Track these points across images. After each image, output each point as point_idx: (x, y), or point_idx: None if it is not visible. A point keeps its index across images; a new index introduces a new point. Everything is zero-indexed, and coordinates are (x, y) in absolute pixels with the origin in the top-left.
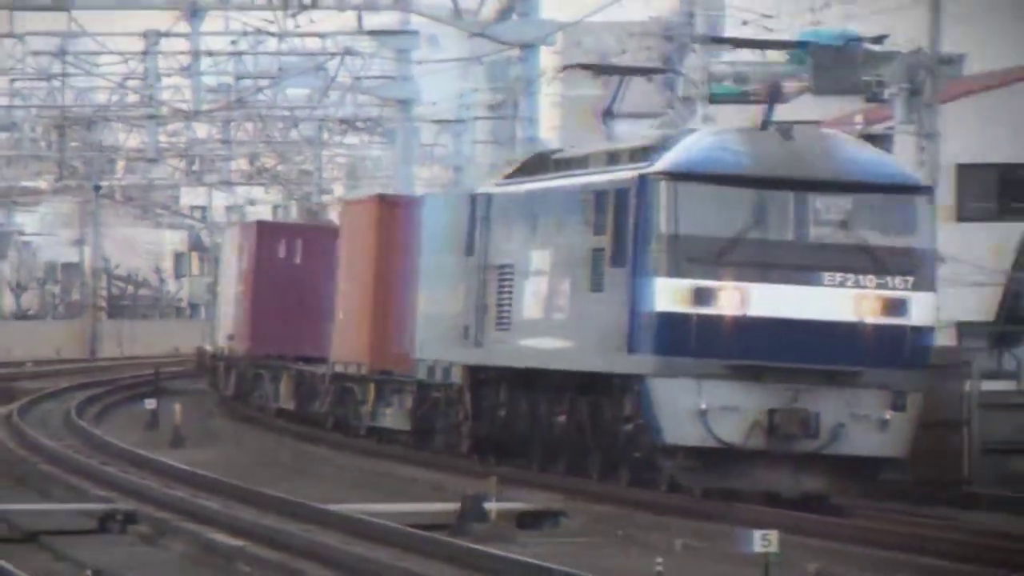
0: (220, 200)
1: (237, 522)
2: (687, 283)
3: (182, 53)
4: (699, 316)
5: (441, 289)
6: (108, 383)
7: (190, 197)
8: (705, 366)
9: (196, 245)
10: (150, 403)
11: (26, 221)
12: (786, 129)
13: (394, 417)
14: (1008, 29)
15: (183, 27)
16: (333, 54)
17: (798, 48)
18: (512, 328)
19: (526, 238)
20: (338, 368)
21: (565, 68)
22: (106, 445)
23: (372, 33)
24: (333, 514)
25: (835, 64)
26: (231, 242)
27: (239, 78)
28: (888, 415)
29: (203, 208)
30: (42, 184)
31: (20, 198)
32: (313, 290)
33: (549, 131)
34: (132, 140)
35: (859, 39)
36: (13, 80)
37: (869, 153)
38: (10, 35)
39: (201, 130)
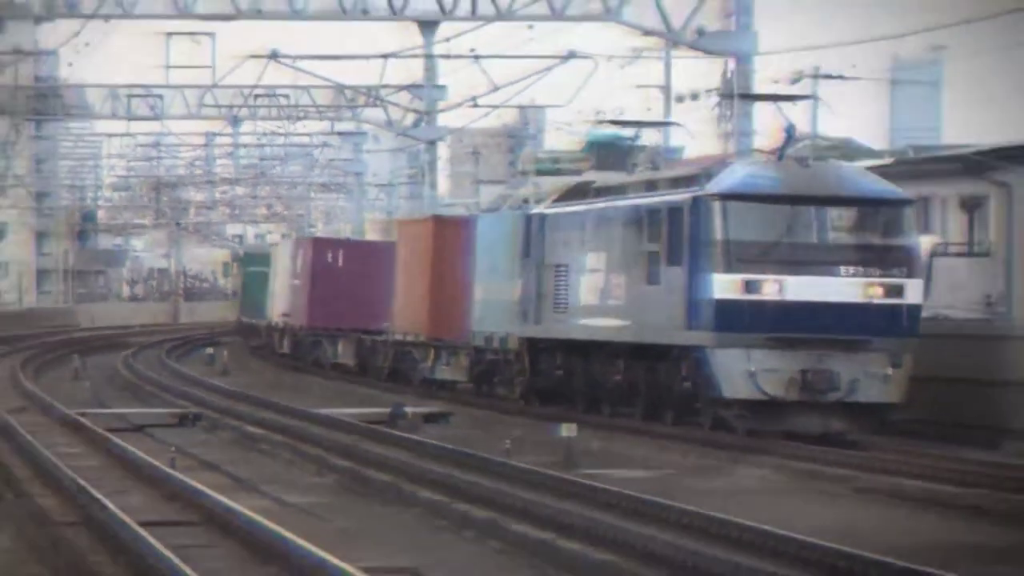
0: (250, 231)
1: (260, 420)
2: (738, 277)
3: (228, 144)
4: (748, 301)
5: (497, 282)
6: (184, 338)
7: (232, 230)
8: (753, 339)
9: (235, 257)
10: (209, 350)
11: (136, 243)
12: (803, 159)
13: (452, 371)
14: (711, 130)
15: (228, 130)
16: (316, 145)
17: (589, 143)
18: (568, 311)
19: (580, 245)
20: (397, 336)
21: (597, 123)
22: (183, 374)
23: (339, 133)
24: (316, 414)
25: (609, 153)
26: (284, 252)
27: (261, 159)
28: (889, 371)
29: (240, 236)
30: (146, 221)
31: (132, 230)
32: (351, 283)
33: (444, 192)
34: (198, 196)
35: (623, 138)
36: (128, 160)
37: (865, 176)
38: (126, 134)
39: (239, 190)
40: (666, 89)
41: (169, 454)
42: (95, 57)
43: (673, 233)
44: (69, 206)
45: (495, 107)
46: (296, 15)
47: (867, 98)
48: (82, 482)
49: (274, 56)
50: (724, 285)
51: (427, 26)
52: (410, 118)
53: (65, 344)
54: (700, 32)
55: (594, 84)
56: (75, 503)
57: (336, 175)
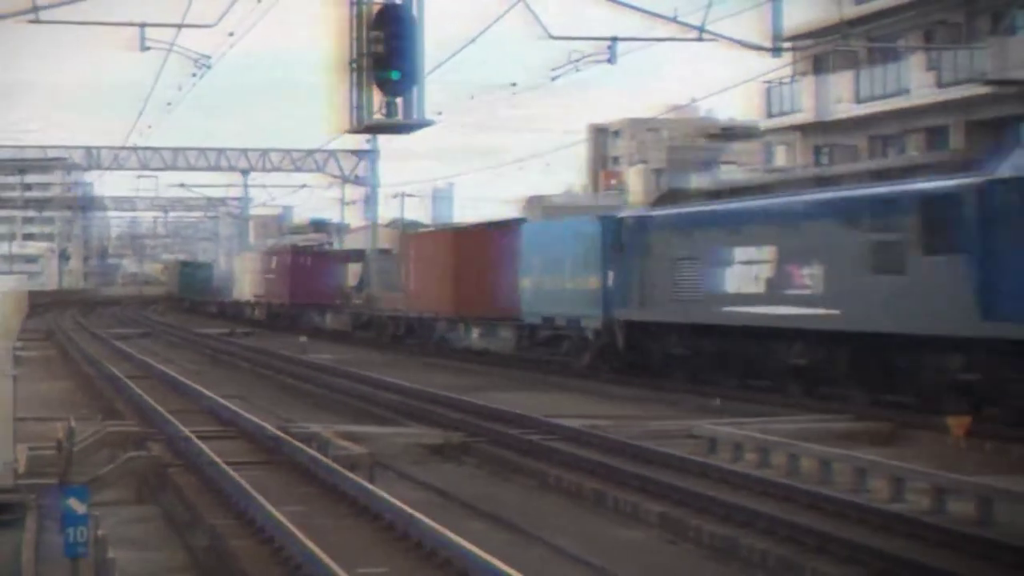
0: (171, 257)
1: (177, 333)
2: None
3: (163, 221)
4: None
5: (556, 275)
6: (145, 302)
7: (165, 256)
8: None
9: (166, 266)
10: (154, 305)
11: (124, 262)
12: None
13: (489, 342)
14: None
15: (162, 216)
16: (199, 222)
17: (311, 222)
18: (696, 298)
19: (717, 239)
20: (412, 314)
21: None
22: (143, 315)
23: (208, 217)
24: (199, 331)
25: (320, 226)
26: (254, 257)
27: (176, 228)
28: None
29: (166, 258)
30: (128, 252)
31: (122, 256)
32: (316, 276)
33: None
34: (151, 243)
35: (325, 219)
36: (120, 228)
37: None
38: (120, 217)
39: (167, 241)
40: (342, 200)
41: (138, 348)
42: (109, 184)
43: (938, 221)
44: (97, 245)
45: (275, 206)
46: (190, 168)
47: (426, 203)
48: (100, 359)
49: (182, 185)
50: None
51: (245, 172)
52: (236, 212)
53: (94, 302)
54: (356, 176)
55: (317, 198)
56: (98, 368)
57: (206, 235)
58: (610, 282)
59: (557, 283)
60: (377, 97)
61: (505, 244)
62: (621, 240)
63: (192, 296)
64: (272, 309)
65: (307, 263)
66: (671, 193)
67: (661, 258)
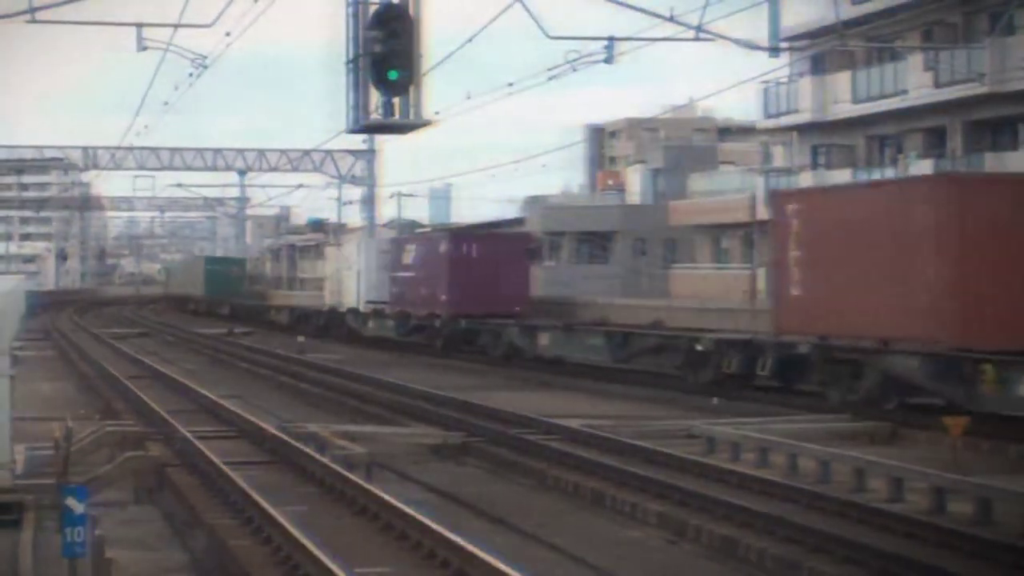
0: (169, 257)
1: (174, 332)
2: None
3: (160, 221)
4: None
5: None
6: (143, 302)
7: (163, 255)
8: None
9: (163, 267)
10: (152, 305)
11: (123, 262)
12: None
13: None
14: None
15: (159, 216)
16: (198, 222)
17: (308, 222)
18: None
19: None
20: (805, 341)
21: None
22: (141, 315)
23: (206, 216)
24: (197, 331)
25: (317, 226)
26: (368, 248)
27: (174, 227)
28: None
29: (166, 259)
30: (126, 252)
31: (120, 256)
32: (491, 274)
33: (249, 241)
34: (148, 242)
35: (321, 219)
36: (119, 228)
37: None
38: (118, 217)
39: (164, 241)
40: (339, 200)
41: (135, 347)
42: (106, 184)
43: None
44: (95, 245)
45: (272, 206)
46: (187, 167)
47: (423, 203)
48: (97, 359)
49: (179, 185)
50: None
51: (242, 172)
52: (234, 211)
53: (91, 302)
54: (355, 176)
55: (315, 198)
56: (96, 368)
57: (205, 235)
58: None
59: None
60: (375, 97)
61: None
62: None
63: (225, 298)
64: (406, 321)
65: (472, 253)
66: None
67: None
